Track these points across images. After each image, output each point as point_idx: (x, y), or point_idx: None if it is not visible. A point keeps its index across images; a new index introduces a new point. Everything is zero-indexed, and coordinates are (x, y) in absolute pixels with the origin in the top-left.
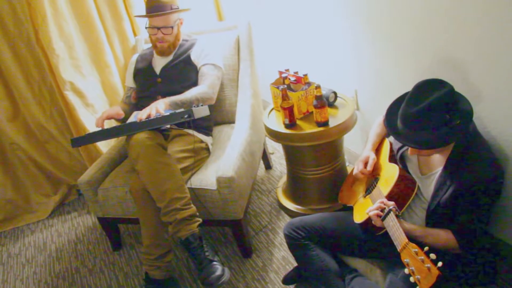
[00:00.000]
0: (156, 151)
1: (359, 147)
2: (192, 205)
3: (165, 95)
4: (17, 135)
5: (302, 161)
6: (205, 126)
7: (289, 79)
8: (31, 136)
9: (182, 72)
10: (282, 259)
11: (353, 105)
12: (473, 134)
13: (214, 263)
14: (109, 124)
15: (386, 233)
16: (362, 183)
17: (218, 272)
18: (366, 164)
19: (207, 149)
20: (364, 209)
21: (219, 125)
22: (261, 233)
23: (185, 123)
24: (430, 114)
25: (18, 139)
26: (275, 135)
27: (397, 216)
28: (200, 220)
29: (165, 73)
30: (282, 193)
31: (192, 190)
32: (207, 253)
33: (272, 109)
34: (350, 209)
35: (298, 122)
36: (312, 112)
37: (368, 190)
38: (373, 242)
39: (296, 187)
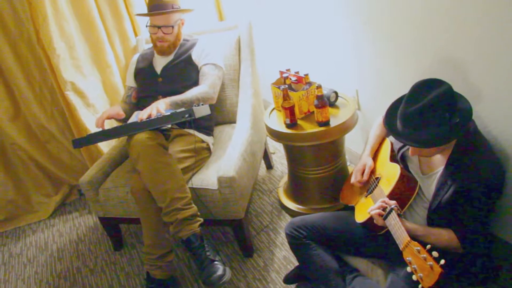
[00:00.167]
0: (157, 151)
1: (360, 147)
2: (193, 205)
3: (165, 94)
4: (18, 135)
5: (303, 161)
6: (206, 126)
7: (290, 79)
8: (32, 136)
9: (183, 72)
10: (283, 259)
11: (354, 104)
12: (473, 133)
13: (215, 263)
14: (109, 124)
15: (388, 232)
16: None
17: (219, 272)
18: (362, 172)
19: (208, 149)
20: (366, 208)
21: (220, 125)
22: (262, 233)
23: (186, 123)
24: (429, 112)
25: (19, 139)
26: (276, 135)
27: (398, 215)
28: (201, 220)
29: (166, 72)
30: (283, 193)
31: (193, 190)
32: (208, 253)
33: (273, 109)
34: (352, 208)
35: (299, 122)
36: (313, 112)
37: (370, 190)
38: (375, 242)
39: (297, 187)
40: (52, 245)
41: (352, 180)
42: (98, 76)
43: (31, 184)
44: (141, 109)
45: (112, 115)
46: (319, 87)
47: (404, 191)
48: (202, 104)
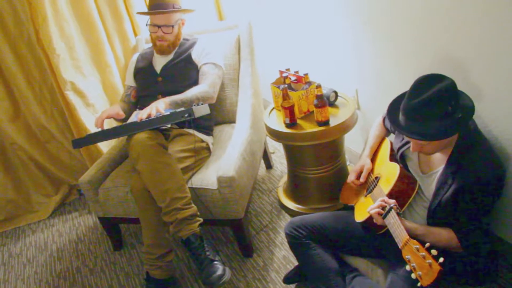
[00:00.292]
0: (156, 151)
1: (359, 147)
2: (193, 205)
3: (165, 94)
4: (18, 135)
5: (302, 161)
6: (206, 125)
7: (290, 78)
8: (32, 136)
9: (183, 71)
10: (283, 259)
11: (353, 104)
12: (474, 133)
13: (215, 262)
14: (109, 124)
15: (387, 232)
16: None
17: (219, 272)
18: (359, 173)
19: (208, 148)
20: (365, 208)
21: (220, 125)
22: (262, 233)
23: (185, 122)
24: (432, 105)
25: (19, 139)
26: (275, 135)
27: (398, 214)
28: (201, 219)
29: (165, 72)
30: (283, 193)
31: (192, 189)
32: (208, 253)
33: (273, 108)
34: (351, 208)
35: (298, 121)
36: (312, 111)
37: (369, 190)
38: (374, 242)
39: (297, 187)
40: (52, 245)
41: (348, 180)
42: (97, 76)
43: (31, 184)
44: (141, 109)
45: (111, 115)
46: (318, 86)
47: (404, 191)
48: (202, 104)
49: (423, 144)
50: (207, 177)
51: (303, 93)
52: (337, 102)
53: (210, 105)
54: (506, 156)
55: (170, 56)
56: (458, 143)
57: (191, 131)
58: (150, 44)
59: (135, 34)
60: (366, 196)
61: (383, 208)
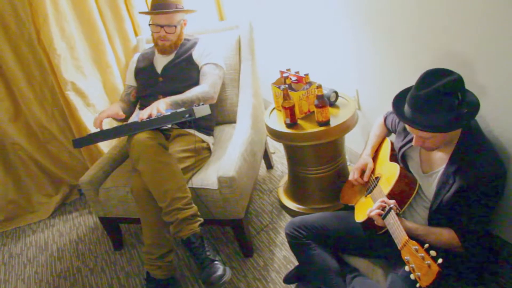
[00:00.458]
0: (157, 151)
1: (360, 147)
2: (193, 205)
3: (166, 94)
4: (19, 135)
5: (303, 161)
6: (206, 125)
7: (290, 78)
8: (33, 136)
9: (184, 71)
10: (283, 259)
11: (354, 104)
12: (476, 132)
13: (216, 262)
14: (109, 124)
15: (387, 232)
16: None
17: (220, 272)
18: (361, 171)
19: (208, 148)
20: (365, 208)
21: (220, 125)
22: (262, 233)
23: (186, 122)
24: (439, 97)
25: (20, 139)
26: (276, 135)
27: (397, 214)
28: (201, 219)
29: (166, 72)
30: (283, 193)
31: (193, 189)
32: (208, 253)
33: (273, 108)
34: (351, 208)
35: (299, 121)
36: (313, 111)
37: (369, 190)
38: (375, 242)
39: (297, 187)
40: (52, 245)
41: (350, 177)
42: (98, 76)
43: (31, 184)
44: (142, 109)
45: (110, 115)
46: (319, 86)
47: (404, 191)
48: (203, 104)
49: (425, 138)
50: (208, 177)
51: (304, 93)
52: (337, 102)
53: (211, 105)
54: (507, 156)
55: (171, 56)
56: (460, 142)
57: (191, 131)
58: (151, 44)
59: (136, 34)
60: (366, 196)
61: (383, 208)
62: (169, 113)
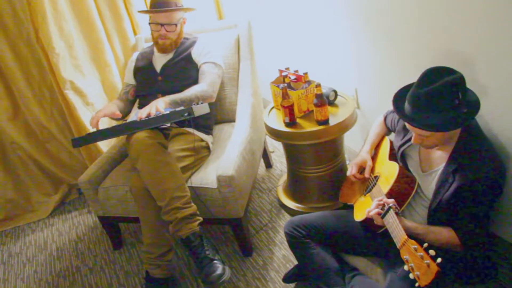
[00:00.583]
0: (156, 150)
1: (359, 146)
2: (192, 204)
3: (165, 93)
4: (18, 135)
5: (302, 160)
6: (205, 124)
7: (289, 77)
8: (32, 135)
9: (183, 70)
10: (283, 258)
11: (353, 103)
12: (475, 131)
13: (215, 262)
14: (107, 123)
15: (387, 231)
16: (363, 181)
17: (219, 271)
18: (360, 167)
19: (208, 147)
20: (365, 207)
21: (220, 124)
22: (261, 232)
23: (185, 121)
24: (440, 96)
25: (19, 138)
26: (275, 134)
27: (396, 213)
28: (201, 219)
29: (165, 71)
30: (283, 192)
31: (192, 189)
32: (207, 252)
33: (273, 107)
34: (351, 207)
35: (298, 120)
36: (312, 110)
37: (369, 189)
38: (374, 241)
39: (296, 186)
40: (52, 244)
41: (348, 173)
42: (97, 75)
43: (31, 183)
44: (141, 108)
45: (107, 114)
46: (318, 85)
47: (403, 190)
48: (202, 103)
49: (425, 136)
50: (207, 176)
51: (303, 92)
52: (336, 101)
53: (210, 104)
54: (507, 155)
55: (170, 55)
56: (460, 141)
57: (190, 130)
58: (150, 43)
59: (135, 33)
60: (365, 195)
61: (382, 207)
62: (168, 112)
